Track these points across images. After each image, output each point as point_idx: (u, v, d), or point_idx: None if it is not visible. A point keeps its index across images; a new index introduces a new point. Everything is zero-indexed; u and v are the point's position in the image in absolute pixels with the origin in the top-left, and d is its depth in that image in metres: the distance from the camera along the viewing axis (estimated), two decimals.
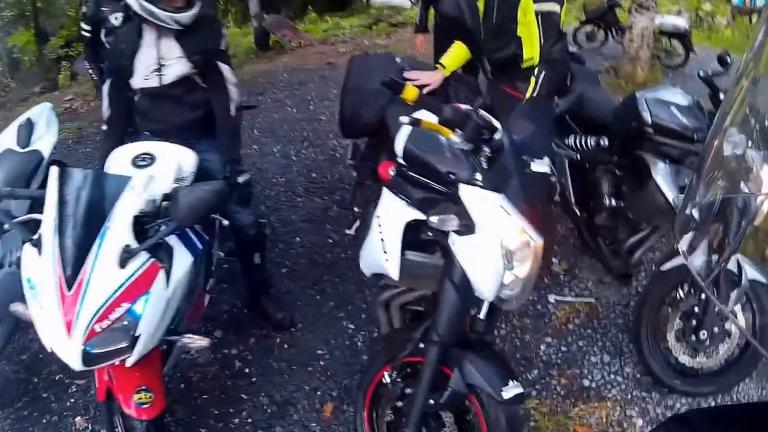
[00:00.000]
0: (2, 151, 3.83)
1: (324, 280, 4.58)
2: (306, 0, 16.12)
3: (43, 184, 2.59)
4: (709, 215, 1.51)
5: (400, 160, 2.76)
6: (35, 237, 2.46)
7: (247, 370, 3.84)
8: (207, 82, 3.66)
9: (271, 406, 3.60)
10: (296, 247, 4.97)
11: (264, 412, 3.56)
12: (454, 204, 2.55)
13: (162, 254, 2.59)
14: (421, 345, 2.64)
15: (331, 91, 7.73)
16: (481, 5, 3.97)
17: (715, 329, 3.38)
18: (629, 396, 3.62)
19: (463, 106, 2.82)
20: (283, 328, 4.10)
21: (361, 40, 11.43)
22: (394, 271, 2.71)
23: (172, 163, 3.09)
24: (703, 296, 3.37)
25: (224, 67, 3.66)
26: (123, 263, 2.39)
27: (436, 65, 4.02)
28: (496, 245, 2.44)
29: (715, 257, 1.64)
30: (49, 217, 2.43)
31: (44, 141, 4.04)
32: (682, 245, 1.51)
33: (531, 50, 3.82)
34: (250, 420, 3.51)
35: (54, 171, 2.52)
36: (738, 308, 3.23)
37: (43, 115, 4.22)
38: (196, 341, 2.70)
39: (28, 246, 2.47)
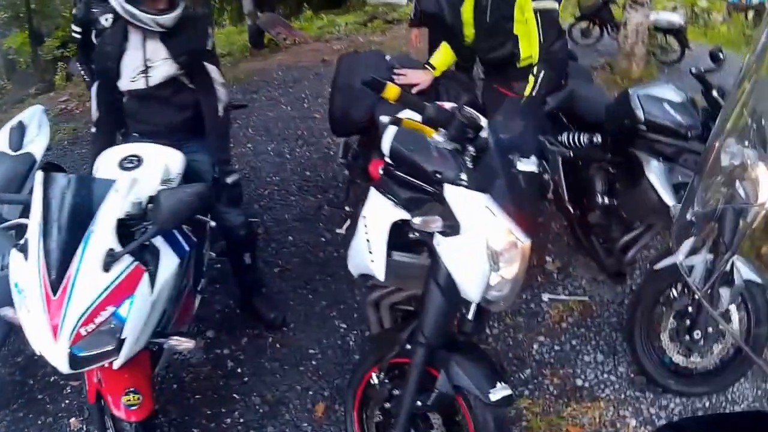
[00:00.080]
0: None
1: (316, 279, 4.57)
2: None
3: None
4: (706, 223, 1.49)
5: (388, 160, 2.74)
6: (21, 242, 2.47)
7: (239, 370, 3.83)
8: (194, 83, 3.65)
9: (263, 405, 3.60)
10: (289, 246, 4.96)
11: (256, 412, 3.56)
12: (440, 204, 2.53)
13: (148, 257, 2.59)
14: (408, 346, 2.63)
15: (326, 89, 7.61)
16: (470, 4, 3.94)
17: (709, 329, 3.36)
18: (623, 396, 3.60)
19: (448, 105, 2.80)
20: (275, 327, 4.09)
21: (356, 37, 11.41)
22: (379, 272, 2.70)
23: (158, 165, 3.08)
24: (696, 296, 3.36)
25: (211, 68, 3.64)
26: (107, 267, 2.39)
27: (426, 65, 4.00)
28: (482, 246, 2.42)
29: (710, 265, 1.63)
30: (34, 221, 2.43)
31: (36, 144, 4.03)
32: (680, 255, 1.50)
33: (529, 49, 3.80)
34: (242, 420, 3.51)
35: (39, 176, 2.53)
36: (733, 308, 3.22)
37: (35, 117, 4.22)
38: (183, 343, 2.71)
39: (14, 251, 2.47)
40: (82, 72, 5.51)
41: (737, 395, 3.55)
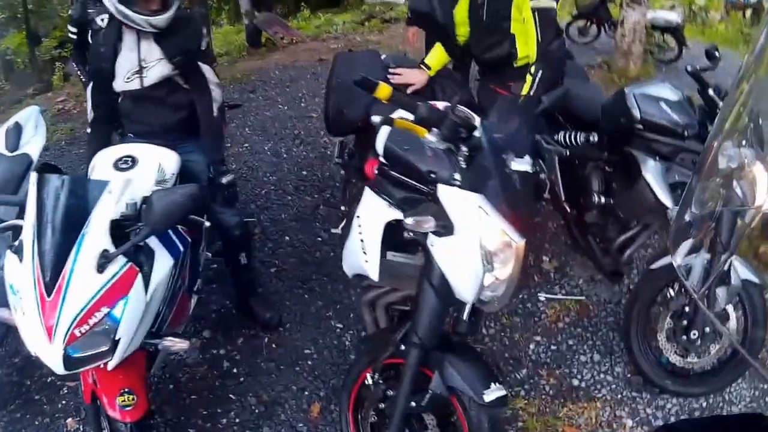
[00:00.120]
0: None
1: (312, 279, 4.56)
2: None
3: None
4: (704, 224, 1.49)
5: (382, 159, 2.73)
6: (16, 243, 2.48)
7: (235, 371, 3.83)
8: (189, 83, 3.65)
9: (259, 406, 3.60)
10: (285, 246, 4.95)
11: (252, 413, 3.56)
12: (435, 204, 2.53)
13: (142, 257, 2.60)
14: (402, 347, 2.63)
15: (322, 88, 7.59)
16: (465, 3, 3.94)
17: (706, 329, 3.35)
18: (619, 396, 3.60)
19: (441, 104, 2.79)
20: (271, 327, 4.09)
21: (353, 36, 11.39)
22: (373, 273, 2.70)
23: (153, 166, 3.09)
24: (694, 297, 3.35)
25: (205, 68, 3.64)
26: (101, 268, 2.40)
27: (421, 65, 4.00)
28: (475, 247, 2.42)
29: (707, 265, 1.63)
30: (28, 223, 2.44)
31: (33, 144, 4.02)
32: (677, 258, 1.49)
33: (526, 48, 3.79)
34: (237, 420, 3.52)
35: (33, 177, 2.53)
36: (730, 308, 3.22)
37: (31, 118, 4.20)
38: (177, 344, 2.73)
39: (9, 252, 2.48)
40: (79, 72, 5.50)
41: (735, 396, 3.54)
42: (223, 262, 4.04)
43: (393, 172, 2.65)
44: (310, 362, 3.87)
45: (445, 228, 2.46)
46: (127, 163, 3.07)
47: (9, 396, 3.68)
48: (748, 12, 14.12)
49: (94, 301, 2.36)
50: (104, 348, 2.40)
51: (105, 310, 2.38)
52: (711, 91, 3.56)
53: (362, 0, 15.36)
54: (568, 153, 4.07)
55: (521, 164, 2.63)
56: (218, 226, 3.65)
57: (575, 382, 3.69)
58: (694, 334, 3.35)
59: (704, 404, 3.51)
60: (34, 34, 15.63)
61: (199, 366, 3.83)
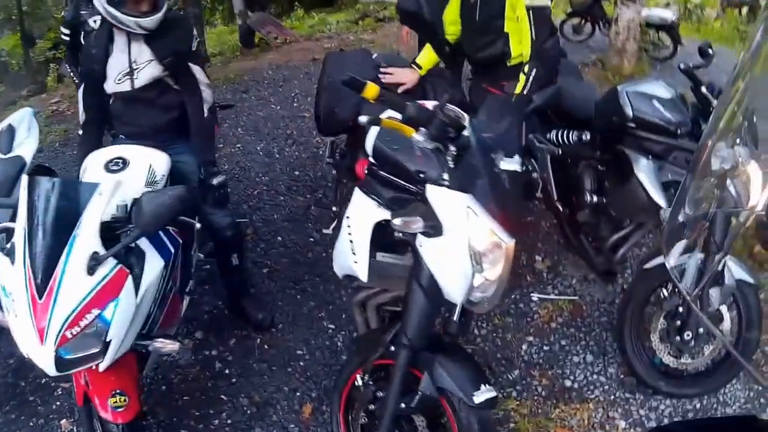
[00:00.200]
0: None
1: (305, 280, 4.56)
2: None
3: None
4: (697, 225, 1.50)
5: (371, 159, 2.73)
6: (8, 246, 2.49)
7: (227, 371, 3.83)
8: (180, 84, 3.65)
9: (251, 407, 3.60)
10: (277, 247, 4.95)
11: (244, 413, 3.56)
12: (424, 204, 2.52)
13: (132, 259, 2.61)
14: (392, 348, 2.63)
15: (315, 88, 7.67)
16: (456, 2, 3.93)
17: (700, 330, 3.32)
18: (612, 397, 3.60)
19: (429, 103, 2.78)
20: (263, 328, 4.09)
21: (346, 35, 11.39)
22: (362, 273, 2.70)
23: (144, 167, 3.09)
24: (687, 299, 3.34)
25: (196, 69, 3.64)
26: (91, 270, 2.40)
27: (412, 64, 3.99)
28: (464, 247, 2.41)
29: (701, 265, 1.64)
30: (19, 225, 2.45)
31: (26, 146, 4.01)
32: (671, 260, 1.49)
33: (520, 47, 3.78)
34: (229, 421, 3.51)
35: (24, 180, 2.54)
36: (724, 309, 3.22)
37: (24, 120, 4.19)
38: (168, 345, 2.73)
39: (1, 255, 2.50)
40: (72, 74, 5.50)
41: (729, 397, 3.53)
42: (215, 263, 4.04)
43: (382, 172, 2.65)
44: (302, 363, 3.87)
45: (434, 228, 2.46)
46: (118, 165, 3.07)
47: (4, 397, 3.68)
48: (744, 9, 14.12)
49: (85, 303, 2.37)
50: (95, 350, 2.41)
51: (96, 311, 2.39)
52: (704, 89, 3.53)
53: None
54: (560, 151, 4.06)
55: (510, 163, 2.62)
56: (209, 227, 3.65)
57: (568, 383, 3.68)
58: (688, 335, 3.33)
59: (698, 405, 3.49)
60: (28, 36, 15.59)
61: (192, 367, 3.82)
